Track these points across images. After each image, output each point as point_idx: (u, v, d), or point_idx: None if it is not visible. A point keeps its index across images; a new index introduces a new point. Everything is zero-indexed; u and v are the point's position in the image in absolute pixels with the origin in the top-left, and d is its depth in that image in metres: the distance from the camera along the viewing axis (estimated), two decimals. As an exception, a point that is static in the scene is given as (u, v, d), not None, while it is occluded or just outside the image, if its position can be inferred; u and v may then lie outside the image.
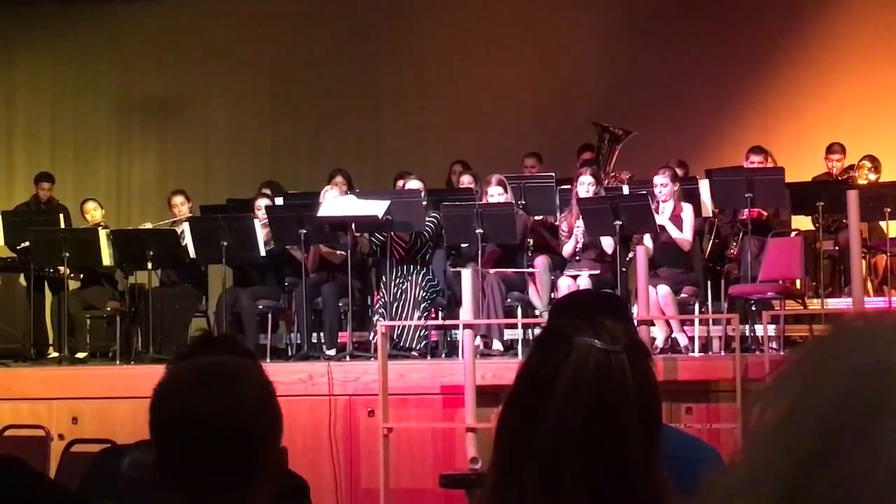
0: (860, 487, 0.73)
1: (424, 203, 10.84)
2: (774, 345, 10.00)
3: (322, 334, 10.92)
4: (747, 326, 10.33)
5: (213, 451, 1.96)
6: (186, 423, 1.96)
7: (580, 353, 1.77)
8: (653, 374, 1.83)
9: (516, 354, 10.16)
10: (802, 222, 11.72)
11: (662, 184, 10.60)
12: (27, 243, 11.53)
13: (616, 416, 1.75)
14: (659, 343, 10.09)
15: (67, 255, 11.03)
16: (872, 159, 11.86)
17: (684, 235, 10.51)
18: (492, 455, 1.82)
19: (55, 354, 11.40)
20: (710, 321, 10.52)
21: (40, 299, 12.04)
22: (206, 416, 1.96)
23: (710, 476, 0.83)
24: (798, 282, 10.81)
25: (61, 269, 11.35)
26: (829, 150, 12.22)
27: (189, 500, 1.98)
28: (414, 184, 11.13)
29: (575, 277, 10.32)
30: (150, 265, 11.02)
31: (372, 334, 10.36)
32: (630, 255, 10.32)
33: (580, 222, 10.57)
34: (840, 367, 0.79)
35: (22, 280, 12.36)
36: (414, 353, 10.37)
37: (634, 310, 9.13)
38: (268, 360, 10.02)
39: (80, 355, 11.29)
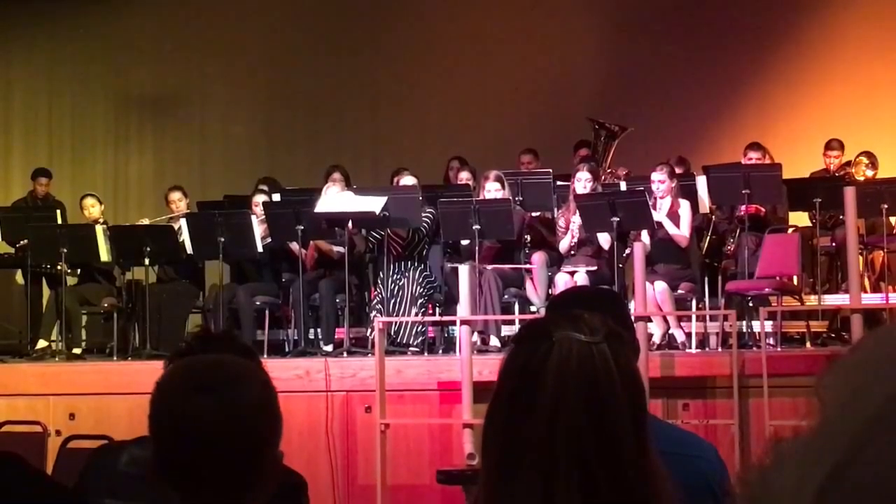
0: None
1: (420, 198, 10.84)
2: (771, 341, 10.01)
3: (319, 330, 10.92)
4: (744, 323, 10.34)
5: (213, 452, 1.96)
6: (188, 424, 1.96)
7: (562, 347, 1.79)
8: (633, 363, 1.86)
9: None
10: (800, 218, 11.72)
11: (660, 180, 10.60)
12: (25, 241, 11.52)
13: (606, 404, 1.76)
14: (656, 339, 10.10)
15: (65, 251, 11.02)
16: (869, 155, 11.87)
17: (681, 232, 10.51)
18: (482, 451, 1.82)
19: (44, 344, 11.35)
20: (707, 317, 10.52)
21: (39, 295, 12.03)
22: (207, 418, 1.95)
23: (778, 445, 0.85)
24: (795, 278, 10.82)
25: (59, 265, 11.33)
26: (827, 146, 12.23)
27: (188, 500, 1.98)
28: (408, 180, 11.13)
29: (572, 274, 10.33)
30: (147, 261, 11.02)
31: (369, 330, 10.36)
32: (627, 251, 10.33)
33: (576, 218, 10.58)
34: None
35: (19, 277, 12.35)
36: (411, 349, 10.37)
37: (631, 306, 9.13)
38: (265, 357, 10.01)
39: (76, 351, 11.28)
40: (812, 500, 0.77)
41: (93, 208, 12.22)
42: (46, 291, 12.07)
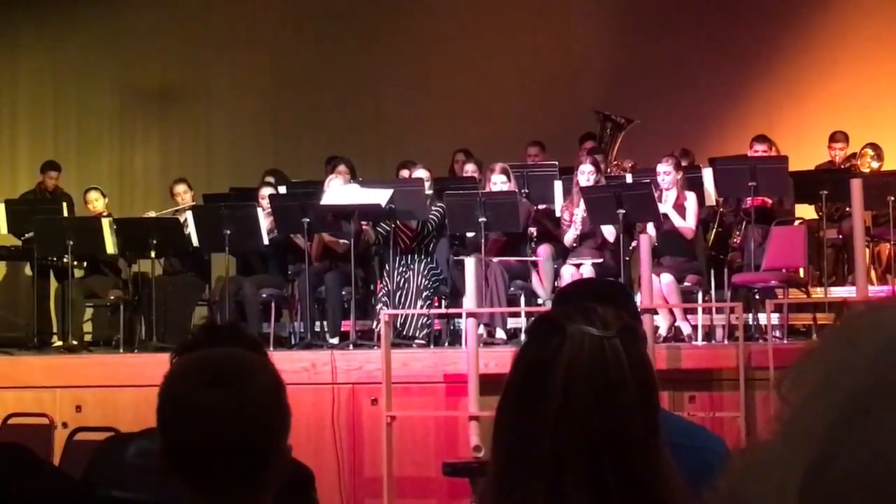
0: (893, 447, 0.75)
1: (430, 192, 10.84)
2: (778, 333, 10.00)
3: (325, 323, 10.92)
4: (751, 315, 10.33)
5: (224, 445, 1.96)
6: (200, 417, 1.96)
7: (574, 341, 1.78)
8: (647, 358, 1.84)
9: (519, 343, 10.14)
10: (806, 211, 11.71)
11: (666, 172, 10.59)
12: (31, 233, 11.52)
13: (616, 400, 1.76)
14: (662, 332, 10.09)
15: (71, 243, 11.03)
16: (875, 147, 11.85)
17: (687, 224, 10.50)
18: (492, 445, 1.82)
19: (59, 343, 11.40)
20: (714, 310, 10.51)
21: (46, 288, 12.04)
22: (220, 411, 1.95)
23: (738, 453, 0.85)
24: (801, 270, 10.81)
25: (65, 257, 11.34)
26: (832, 138, 12.21)
27: (196, 493, 1.98)
28: (421, 173, 11.12)
29: (578, 266, 10.32)
30: (153, 254, 11.02)
31: (375, 323, 10.36)
32: (633, 243, 10.32)
33: (579, 210, 10.57)
34: (866, 340, 0.80)
35: (28, 270, 12.35)
36: (417, 341, 10.37)
37: (638, 298, 9.12)
38: (271, 349, 10.01)
39: (74, 342, 11.26)
40: (795, 502, 0.77)
41: (97, 202, 12.22)
42: (54, 284, 12.08)
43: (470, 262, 9.43)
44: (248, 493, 1.98)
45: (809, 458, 0.77)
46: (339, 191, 10.77)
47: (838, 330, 0.84)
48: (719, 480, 0.84)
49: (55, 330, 11.94)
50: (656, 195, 10.31)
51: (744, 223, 11.00)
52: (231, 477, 1.97)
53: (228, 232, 10.67)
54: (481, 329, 9.87)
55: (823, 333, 0.86)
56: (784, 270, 10.54)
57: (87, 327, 12.11)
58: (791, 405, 0.81)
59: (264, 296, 11.05)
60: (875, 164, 11.69)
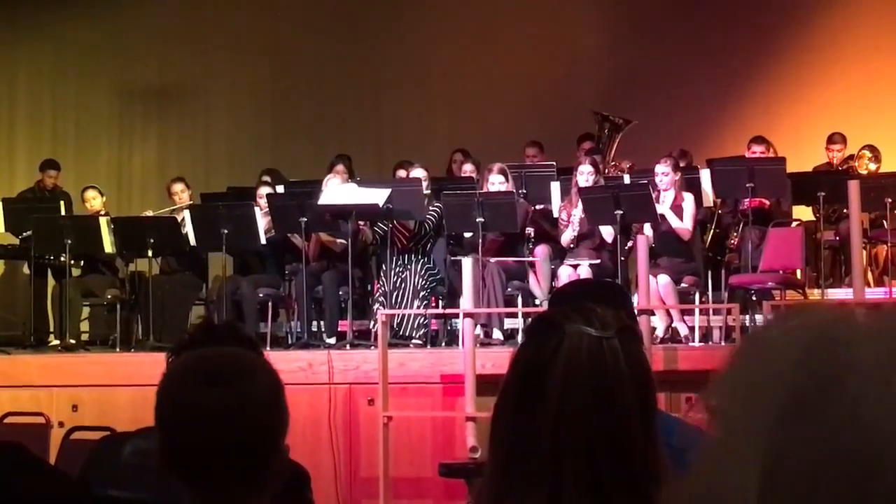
0: (845, 434, 0.76)
1: (428, 192, 10.83)
2: (775, 335, 9.99)
3: (322, 323, 10.92)
4: (748, 316, 10.33)
5: (225, 444, 1.96)
6: (200, 416, 1.96)
7: (573, 341, 1.78)
8: (645, 359, 1.84)
9: (516, 343, 10.15)
10: (803, 212, 11.72)
11: (664, 172, 10.59)
12: (29, 232, 11.52)
13: (613, 400, 1.76)
14: (659, 333, 10.09)
15: (69, 242, 11.02)
16: (872, 149, 11.86)
17: (684, 225, 10.50)
18: (489, 444, 1.82)
19: (56, 342, 11.39)
20: (711, 311, 10.51)
21: (42, 286, 12.03)
22: (221, 410, 1.95)
23: (692, 467, 0.86)
24: (798, 272, 10.81)
25: (62, 256, 11.33)
26: (830, 139, 12.22)
27: (196, 493, 1.98)
28: (418, 172, 11.12)
29: (575, 266, 10.32)
30: (150, 253, 11.02)
31: (372, 323, 10.36)
32: (630, 244, 10.32)
33: (577, 211, 10.57)
34: (787, 345, 0.82)
35: (25, 268, 12.34)
36: (414, 341, 10.37)
37: (635, 299, 9.12)
38: (268, 349, 10.01)
39: (72, 341, 11.26)
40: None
41: (94, 200, 12.22)
42: (52, 283, 12.07)
43: (467, 263, 9.43)
44: (247, 492, 1.98)
45: (760, 463, 0.78)
46: (336, 190, 10.77)
47: (754, 341, 0.87)
48: (680, 491, 0.86)
49: (52, 329, 11.93)
50: (654, 196, 10.32)
51: (741, 224, 11.01)
52: (231, 476, 1.97)
53: (226, 231, 10.67)
54: (478, 329, 9.87)
55: (738, 347, 0.87)
56: (781, 272, 10.54)
57: (84, 326, 12.10)
58: (724, 414, 0.82)
59: (261, 295, 11.04)
60: (873, 166, 11.70)
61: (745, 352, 0.86)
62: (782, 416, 0.79)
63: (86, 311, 11.95)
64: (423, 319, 10.53)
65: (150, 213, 11.99)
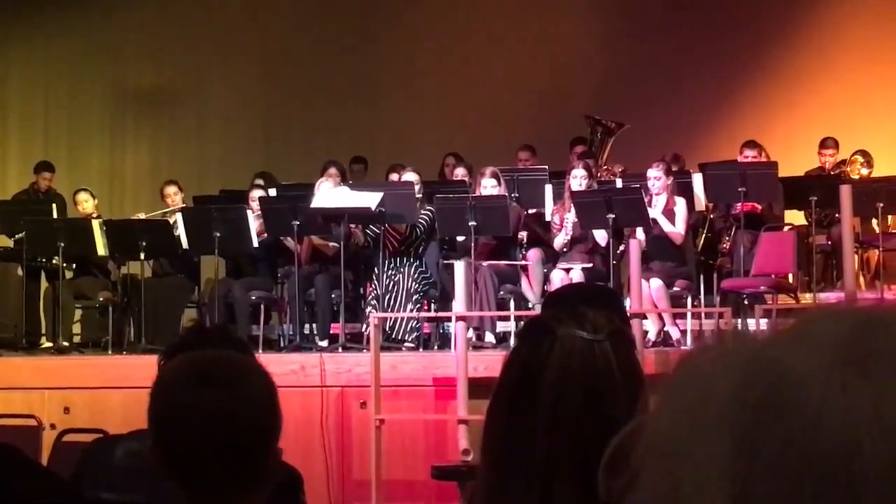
0: (813, 448, 0.76)
1: (420, 196, 10.84)
2: (766, 339, 10.00)
3: (314, 325, 10.92)
4: (740, 320, 10.34)
5: (220, 446, 1.96)
6: (192, 419, 1.96)
7: (565, 344, 1.78)
8: (637, 362, 1.85)
9: (509, 347, 10.12)
10: (795, 217, 11.73)
11: (656, 177, 10.60)
12: (21, 234, 11.50)
13: (606, 404, 1.76)
14: (651, 336, 10.10)
15: (62, 244, 11.01)
16: (864, 154, 11.88)
17: (677, 229, 10.51)
18: (482, 447, 1.82)
19: (48, 344, 11.38)
20: (703, 315, 10.52)
21: (36, 289, 12.01)
22: (215, 412, 1.95)
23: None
24: (790, 276, 10.83)
25: (55, 259, 11.31)
26: (822, 144, 12.23)
27: (190, 495, 1.98)
28: (410, 176, 11.12)
29: (568, 270, 10.33)
30: (142, 255, 11.01)
31: (364, 326, 10.35)
32: (622, 248, 10.33)
33: (570, 215, 10.57)
34: (722, 369, 0.81)
35: (18, 270, 12.32)
36: (406, 344, 10.37)
37: (627, 303, 9.13)
38: (260, 351, 10.01)
39: (65, 343, 11.25)
40: None
41: (86, 203, 12.21)
42: (45, 285, 12.06)
43: (459, 266, 9.43)
44: (241, 494, 1.99)
45: (726, 491, 0.77)
46: (329, 193, 10.77)
47: (685, 377, 0.84)
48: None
49: (44, 331, 11.92)
50: (646, 200, 10.33)
51: (733, 228, 11.02)
52: (225, 478, 1.97)
53: (218, 234, 10.66)
54: (470, 333, 9.87)
55: (668, 388, 0.85)
56: (773, 276, 10.56)
57: (76, 329, 12.09)
58: (674, 455, 0.80)
59: (253, 298, 11.04)
60: (864, 171, 11.72)
61: (677, 390, 0.83)
62: (737, 446, 0.77)
63: (78, 313, 11.94)
64: (415, 323, 10.52)
65: (142, 216, 11.98)
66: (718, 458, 0.77)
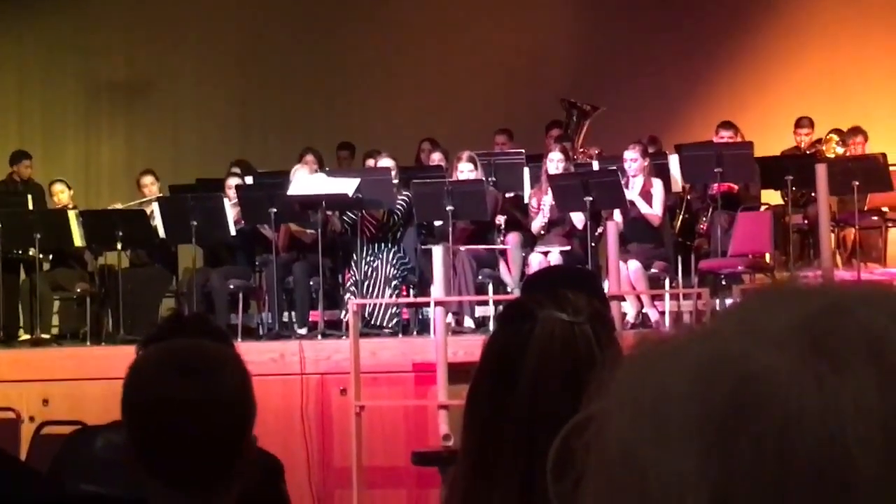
0: (797, 446, 0.73)
1: (396, 181, 10.82)
2: (745, 319, 10.03)
3: (293, 313, 10.90)
4: (717, 301, 10.36)
5: (195, 437, 1.94)
6: (164, 410, 1.94)
7: (545, 327, 1.78)
8: (617, 344, 1.84)
9: (488, 331, 10.13)
10: (772, 196, 11.76)
11: (632, 159, 10.61)
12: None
13: (586, 385, 1.75)
14: (630, 318, 10.12)
15: (38, 236, 10.97)
16: (840, 133, 11.91)
17: (654, 211, 10.53)
18: (462, 432, 1.82)
19: (26, 337, 11.33)
20: (681, 296, 10.55)
21: (13, 281, 11.95)
22: (190, 402, 1.94)
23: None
24: (768, 256, 10.86)
25: (31, 250, 11.26)
26: (798, 124, 12.27)
27: (165, 486, 1.97)
28: (386, 162, 11.11)
29: (546, 254, 10.33)
30: (119, 246, 10.97)
31: (343, 313, 10.35)
32: (600, 230, 10.34)
33: (548, 198, 10.58)
34: (681, 368, 0.77)
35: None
36: (385, 330, 10.36)
37: (605, 285, 9.14)
38: (239, 340, 9.99)
39: (45, 336, 11.21)
40: None
41: (62, 194, 12.16)
42: (23, 277, 11.99)
43: (438, 251, 9.42)
44: (218, 484, 1.98)
45: (706, 488, 0.75)
46: (305, 180, 10.75)
47: (635, 375, 0.81)
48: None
49: (22, 323, 11.86)
50: (623, 182, 10.34)
51: (710, 209, 11.04)
52: (200, 469, 1.96)
53: (195, 223, 10.63)
54: (450, 318, 9.87)
55: (618, 385, 0.82)
56: (750, 256, 10.59)
57: (55, 320, 12.03)
58: (634, 458, 0.76)
59: (232, 287, 11.01)
60: (840, 150, 11.75)
61: (628, 392, 0.79)
62: (707, 450, 0.73)
63: (56, 304, 11.89)
64: (394, 308, 10.52)
65: (118, 206, 11.94)
66: (688, 465, 0.73)
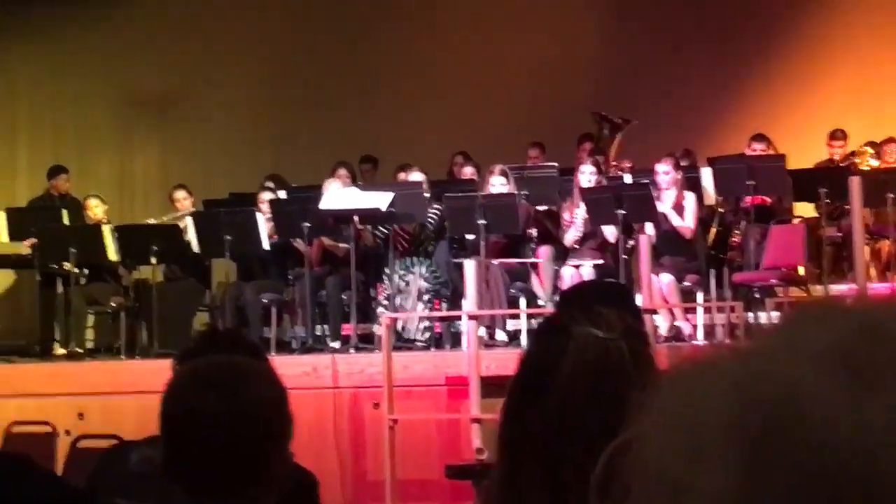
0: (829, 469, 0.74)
1: (428, 195, 10.84)
2: (778, 332, 9.98)
3: (326, 327, 10.92)
4: (751, 314, 10.33)
5: (224, 451, 1.96)
6: (199, 422, 1.97)
7: (579, 343, 1.79)
8: (652, 361, 1.85)
9: (520, 344, 10.15)
10: (805, 209, 11.71)
11: (665, 171, 10.60)
12: (34, 240, 11.50)
13: (619, 402, 1.76)
14: (662, 332, 10.09)
15: (74, 250, 11.03)
16: (874, 145, 11.86)
17: (686, 223, 10.51)
18: (496, 446, 1.83)
19: (61, 351, 11.38)
20: (714, 309, 10.51)
21: (51, 295, 12.00)
22: (218, 416, 1.96)
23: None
24: (801, 269, 10.81)
25: (66, 265, 11.32)
26: (832, 136, 12.23)
27: (198, 499, 1.99)
28: (416, 175, 11.13)
29: (578, 267, 10.32)
30: (153, 260, 11.02)
31: (376, 326, 10.36)
32: (631, 243, 10.32)
33: (580, 211, 10.57)
34: (716, 388, 0.77)
35: (34, 276, 12.31)
36: (418, 344, 10.37)
37: (638, 299, 9.12)
38: (272, 354, 10.01)
39: (80, 350, 11.27)
40: None
41: (96, 209, 12.22)
42: (60, 291, 12.05)
43: (470, 265, 9.43)
44: (248, 499, 1.99)
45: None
46: (338, 194, 10.77)
47: (673, 394, 0.80)
48: None
49: (57, 337, 11.93)
50: (655, 195, 10.32)
51: (743, 222, 11.01)
52: (230, 483, 1.97)
53: (228, 237, 10.67)
54: (482, 331, 9.87)
55: (656, 404, 0.81)
56: (783, 269, 10.54)
57: (89, 334, 12.10)
58: (667, 480, 0.76)
59: (265, 300, 11.04)
60: (874, 162, 11.70)
61: (668, 412, 0.79)
62: (744, 472, 0.73)
63: (90, 319, 11.96)
64: (426, 322, 10.53)
65: (152, 221, 11.99)
66: (724, 483, 0.74)
